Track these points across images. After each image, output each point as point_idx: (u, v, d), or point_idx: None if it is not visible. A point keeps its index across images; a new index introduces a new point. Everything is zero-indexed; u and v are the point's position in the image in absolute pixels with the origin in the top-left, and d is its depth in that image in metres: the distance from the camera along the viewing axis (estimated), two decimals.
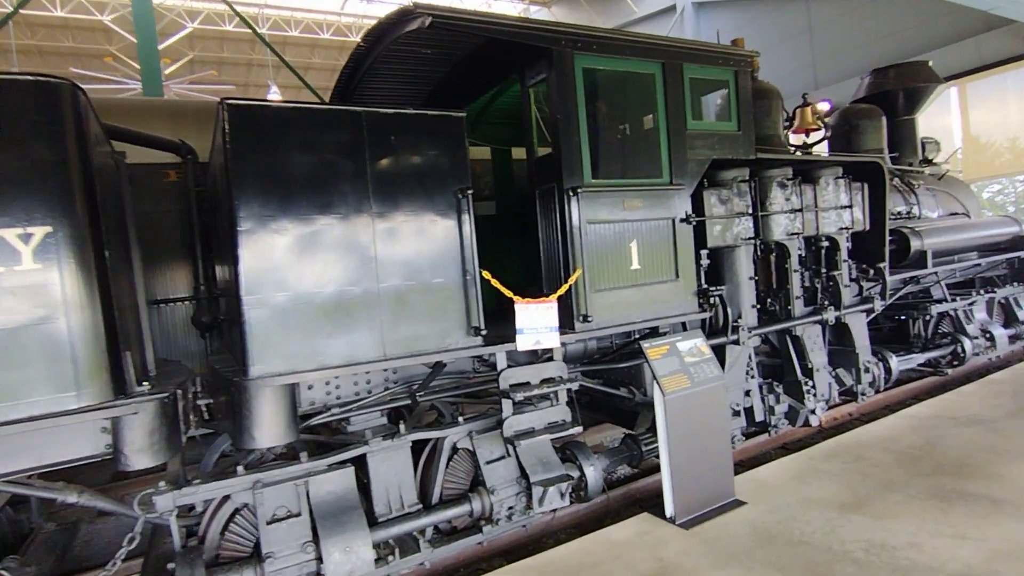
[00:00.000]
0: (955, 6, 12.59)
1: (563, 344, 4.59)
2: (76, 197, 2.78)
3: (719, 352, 5.36)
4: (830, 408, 7.11)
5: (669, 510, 4.28)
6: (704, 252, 5.19)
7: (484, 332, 3.96)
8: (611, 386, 5.31)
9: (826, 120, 7.86)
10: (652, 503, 4.60)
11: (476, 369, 4.68)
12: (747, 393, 5.54)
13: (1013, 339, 8.66)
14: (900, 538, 3.78)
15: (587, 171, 4.41)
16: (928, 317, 7.82)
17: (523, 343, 4.06)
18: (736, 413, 5.41)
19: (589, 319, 4.34)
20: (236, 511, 3.65)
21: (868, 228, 6.47)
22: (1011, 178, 16.48)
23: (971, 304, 8.14)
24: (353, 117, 3.67)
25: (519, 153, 6.49)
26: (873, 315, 6.57)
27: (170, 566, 3.33)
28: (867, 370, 6.45)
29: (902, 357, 7.23)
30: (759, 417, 5.63)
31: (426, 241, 3.85)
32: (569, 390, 4.33)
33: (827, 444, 5.56)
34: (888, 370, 6.84)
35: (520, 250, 6.01)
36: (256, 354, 3.34)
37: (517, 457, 4.29)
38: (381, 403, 4.28)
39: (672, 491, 4.25)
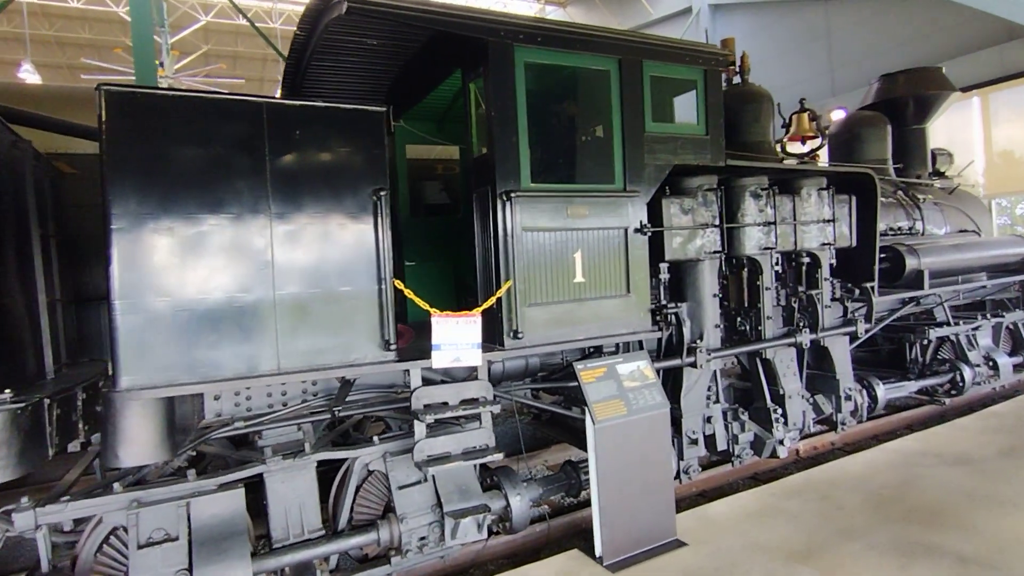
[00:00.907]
0: (977, 15, 11.96)
1: (491, 362, 4.25)
2: None
3: (677, 375, 4.96)
4: (810, 436, 6.63)
5: (598, 549, 3.90)
6: (664, 265, 4.80)
7: (395, 346, 3.63)
8: (567, 405, 4.92)
9: (824, 128, 7.36)
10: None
11: (407, 383, 4.36)
12: (708, 419, 5.11)
13: (1020, 368, 7.95)
14: None
15: (525, 174, 4.05)
16: (926, 341, 7.24)
17: (439, 360, 3.72)
18: (694, 441, 4.97)
19: (520, 335, 3.98)
20: (113, 531, 3.37)
21: (855, 244, 5.98)
22: None
23: (975, 329, 7.51)
24: (252, 108, 3.37)
25: None
26: (859, 340, 6.05)
27: None
28: (848, 398, 5.92)
29: (892, 384, 6.69)
30: (721, 446, 5.17)
31: (333, 246, 3.54)
32: (493, 412, 3.97)
33: (794, 479, 5.11)
34: (873, 398, 6.32)
35: None
36: (127, 364, 3.05)
37: (435, 483, 3.95)
38: (298, 416, 3.99)
39: (601, 528, 3.87)
